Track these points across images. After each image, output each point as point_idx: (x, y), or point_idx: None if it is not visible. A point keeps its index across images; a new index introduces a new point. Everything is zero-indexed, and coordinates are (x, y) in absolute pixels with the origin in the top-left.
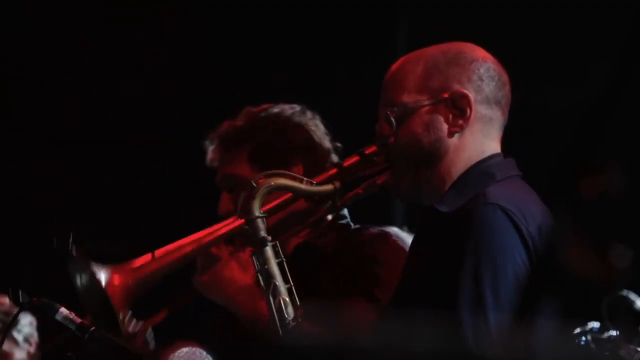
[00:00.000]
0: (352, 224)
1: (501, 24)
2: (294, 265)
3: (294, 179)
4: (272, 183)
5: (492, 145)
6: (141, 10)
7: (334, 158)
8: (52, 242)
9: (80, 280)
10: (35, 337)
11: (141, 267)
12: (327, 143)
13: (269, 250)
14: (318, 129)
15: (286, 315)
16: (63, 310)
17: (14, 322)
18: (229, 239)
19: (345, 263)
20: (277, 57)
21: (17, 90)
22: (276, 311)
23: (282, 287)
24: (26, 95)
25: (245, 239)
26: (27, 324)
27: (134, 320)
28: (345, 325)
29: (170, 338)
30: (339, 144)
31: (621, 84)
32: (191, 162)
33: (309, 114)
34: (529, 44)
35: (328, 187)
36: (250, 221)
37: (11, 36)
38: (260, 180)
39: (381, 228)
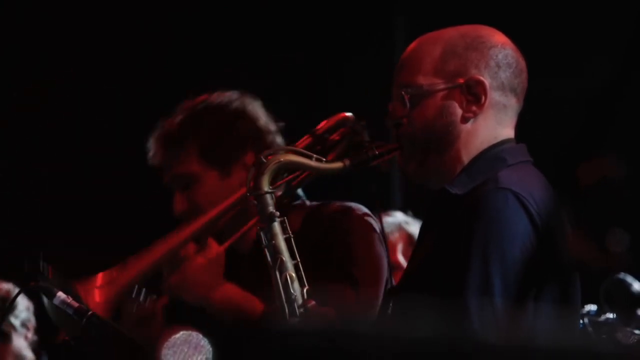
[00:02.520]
0: (307, 201)
1: (501, 19)
2: (259, 256)
3: (303, 155)
4: (282, 159)
5: (504, 132)
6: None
7: (279, 139)
8: (22, 265)
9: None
10: (32, 322)
11: (116, 280)
12: (271, 125)
13: (276, 226)
14: (261, 113)
15: (292, 291)
16: (61, 294)
17: (11, 307)
18: (196, 238)
19: (311, 239)
20: (276, 55)
21: None
22: (282, 287)
23: (289, 263)
24: None
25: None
26: (24, 309)
27: (152, 296)
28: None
29: (167, 322)
30: (282, 123)
31: (625, 74)
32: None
33: (247, 99)
34: (529, 35)
35: (338, 164)
36: (259, 196)
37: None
38: (270, 157)
39: (342, 203)
